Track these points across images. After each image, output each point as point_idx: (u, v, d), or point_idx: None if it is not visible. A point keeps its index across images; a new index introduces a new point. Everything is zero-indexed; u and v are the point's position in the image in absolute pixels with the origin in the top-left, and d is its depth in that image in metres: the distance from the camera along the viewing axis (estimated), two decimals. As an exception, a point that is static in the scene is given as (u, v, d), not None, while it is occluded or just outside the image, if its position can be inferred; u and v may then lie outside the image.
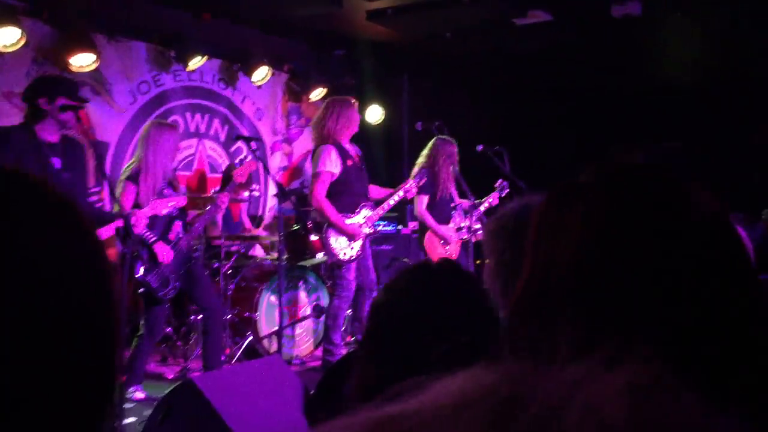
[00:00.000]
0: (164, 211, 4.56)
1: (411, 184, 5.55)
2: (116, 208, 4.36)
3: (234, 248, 6.22)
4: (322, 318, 5.94)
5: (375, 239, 6.75)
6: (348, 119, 5.25)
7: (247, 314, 5.64)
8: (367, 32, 7.15)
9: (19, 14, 5.41)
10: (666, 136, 8.60)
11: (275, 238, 5.79)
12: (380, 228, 6.16)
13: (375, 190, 5.60)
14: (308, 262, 6.19)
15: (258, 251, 6.88)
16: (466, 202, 6.03)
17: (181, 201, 4.65)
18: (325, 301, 5.97)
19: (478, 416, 0.41)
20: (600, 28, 6.76)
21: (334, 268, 5.31)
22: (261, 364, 3.86)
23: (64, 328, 0.61)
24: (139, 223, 4.34)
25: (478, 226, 5.90)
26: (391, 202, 5.52)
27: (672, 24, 6.60)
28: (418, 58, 8.07)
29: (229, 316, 5.62)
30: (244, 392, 3.40)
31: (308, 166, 7.92)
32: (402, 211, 7.25)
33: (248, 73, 7.01)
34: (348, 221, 5.26)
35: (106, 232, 4.20)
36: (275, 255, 5.95)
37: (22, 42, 5.36)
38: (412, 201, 5.99)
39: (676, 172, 0.75)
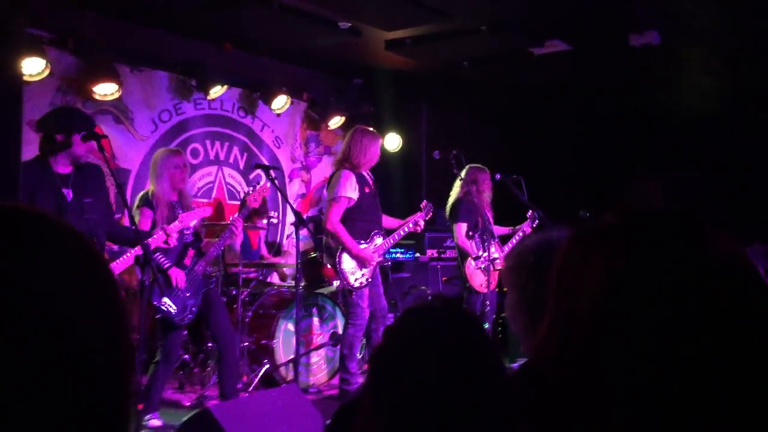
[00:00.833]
0: (192, 223, 4.71)
1: (420, 218, 5.56)
2: None
3: (252, 275, 6.24)
4: (339, 346, 5.93)
5: (393, 267, 6.76)
6: (371, 151, 5.32)
7: (264, 341, 5.63)
8: (386, 61, 7.21)
9: (45, 44, 5.53)
10: (685, 165, 8.55)
11: (293, 265, 5.80)
12: (391, 257, 6.16)
13: (385, 220, 5.63)
14: (325, 290, 6.19)
15: (275, 279, 6.90)
16: (502, 229, 6.12)
17: (207, 211, 4.85)
18: (341, 329, 5.96)
19: None
20: (618, 57, 6.77)
21: (346, 294, 5.33)
22: (277, 393, 3.85)
23: (77, 359, 0.62)
24: (172, 237, 4.48)
25: (497, 255, 5.91)
26: (401, 232, 5.55)
27: (690, 53, 6.60)
28: (436, 86, 8.12)
29: (247, 343, 5.62)
30: (260, 422, 3.39)
31: (325, 191, 7.97)
32: (419, 239, 7.26)
33: (268, 101, 7.09)
34: (361, 247, 5.29)
35: (136, 251, 4.31)
36: (292, 282, 5.95)
37: (47, 72, 5.46)
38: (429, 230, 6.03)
39: (699, 217, 0.75)
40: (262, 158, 7.39)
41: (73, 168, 4.20)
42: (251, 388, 5.42)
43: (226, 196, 7.18)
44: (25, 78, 5.39)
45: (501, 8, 5.82)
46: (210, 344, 5.48)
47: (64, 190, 4.15)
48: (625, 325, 0.71)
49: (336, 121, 7.69)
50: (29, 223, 0.65)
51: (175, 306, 4.65)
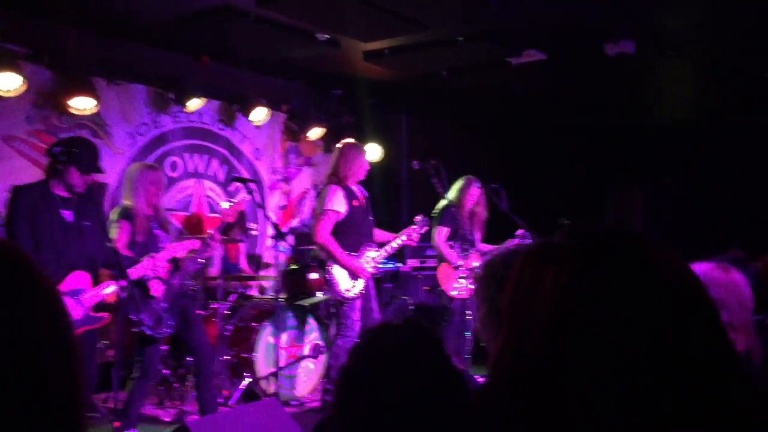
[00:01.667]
0: (180, 254, 4.66)
1: (414, 232, 5.58)
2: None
3: (232, 288, 6.21)
4: (321, 358, 5.92)
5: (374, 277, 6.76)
6: (356, 163, 5.37)
7: (244, 355, 5.61)
8: (365, 72, 7.24)
9: (20, 59, 5.49)
10: (661, 172, 8.64)
11: (273, 278, 5.79)
12: (382, 267, 6.16)
13: (378, 234, 5.62)
14: (306, 302, 6.17)
15: (255, 292, 6.87)
16: (488, 247, 6.16)
17: (194, 243, 4.78)
18: (323, 340, 5.95)
19: None
20: (594, 66, 6.84)
21: (338, 306, 5.30)
22: (257, 407, 3.82)
23: (22, 381, 0.62)
24: (159, 269, 4.47)
25: (477, 264, 5.93)
26: (395, 245, 5.53)
27: (666, 61, 6.68)
28: (416, 96, 8.15)
29: (227, 357, 5.58)
30: (239, 437, 3.36)
31: (310, 205, 7.95)
32: (401, 250, 7.25)
33: (246, 113, 7.08)
34: (353, 258, 5.29)
35: (134, 273, 4.35)
36: (272, 295, 5.93)
37: (23, 87, 5.43)
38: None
39: (644, 235, 0.76)
40: (241, 170, 7.38)
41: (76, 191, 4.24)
42: (232, 401, 5.39)
43: (206, 209, 7.15)
44: (1, 93, 5.36)
45: (477, 18, 5.86)
46: (190, 359, 5.45)
47: (64, 212, 4.22)
48: (576, 342, 0.72)
49: (316, 133, 7.69)
50: None
51: (151, 319, 4.62)
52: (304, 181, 8.12)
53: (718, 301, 0.78)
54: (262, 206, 5.69)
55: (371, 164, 7.83)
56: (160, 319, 4.65)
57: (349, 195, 5.30)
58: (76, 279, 4.21)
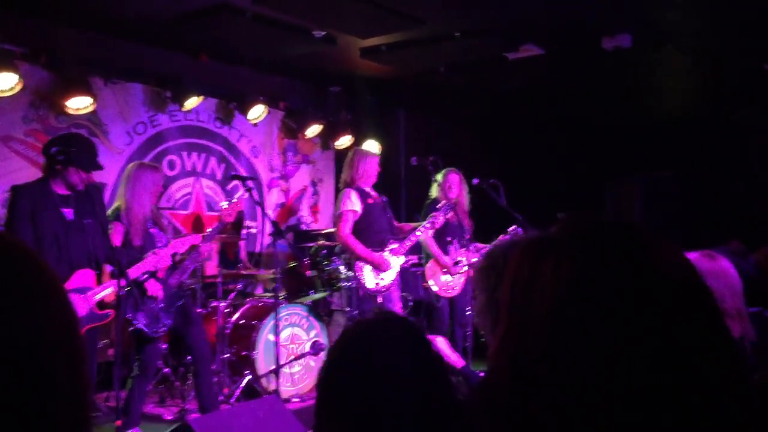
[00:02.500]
0: (182, 250, 4.68)
1: (438, 216, 5.70)
2: None
3: (231, 286, 6.21)
4: (321, 355, 5.92)
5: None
6: (364, 167, 5.63)
7: (245, 353, 5.61)
8: (362, 69, 7.23)
9: (17, 59, 5.48)
10: (659, 165, 8.64)
11: (273, 276, 5.79)
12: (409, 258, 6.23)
13: (404, 227, 5.84)
14: (306, 299, 6.17)
15: (259, 289, 6.87)
16: (480, 245, 6.17)
17: (195, 239, 4.80)
18: (323, 338, 5.95)
19: None
20: (591, 60, 6.84)
21: (364, 301, 5.51)
22: (258, 404, 3.83)
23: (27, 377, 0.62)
24: (162, 263, 4.49)
25: (476, 260, 5.93)
26: (417, 233, 5.72)
27: (662, 55, 6.67)
28: (413, 92, 8.14)
29: (228, 354, 5.59)
30: (240, 434, 3.36)
31: (308, 203, 7.96)
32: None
33: (244, 111, 7.07)
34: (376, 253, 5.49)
35: (134, 272, 4.37)
36: (272, 292, 5.93)
37: (19, 87, 5.41)
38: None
39: (643, 226, 0.76)
40: (239, 169, 7.37)
41: (74, 189, 4.23)
42: (233, 399, 5.39)
43: (204, 207, 7.14)
44: (-3, 93, 5.35)
45: (474, 14, 5.85)
46: (190, 357, 5.45)
47: (64, 210, 4.22)
48: (575, 335, 0.72)
49: (313, 130, 7.68)
50: None
51: (148, 318, 4.61)
52: (302, 178, 8.11)
53: None
54: (261, 204, 5.67)
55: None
56: (157, 318, 4.65)
57: (363, 194, 5.56)
58: (82, 277, 4.21)
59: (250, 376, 5.55)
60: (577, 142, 8.96)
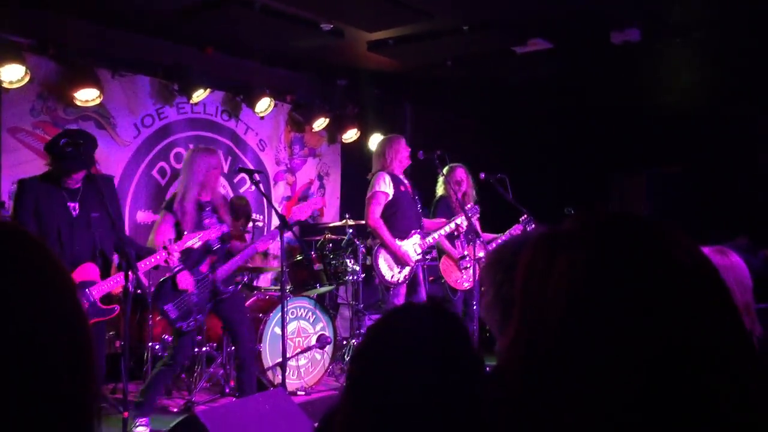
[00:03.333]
0: (197, 245, 4.53)
1: (466, 214, 5.67)
2: (151, 238, 4.60)
3: (237, 279, 6.22)
4: (327, 348, 5.93)
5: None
6: (399, 150, 5.63)
7: (251, 345, 5.61)
8: (369, 62, 7.21)
9: (25, 51, 5.49)
10: (667, 160, 8.61)
11: (279, 269, 5.79)
12: (429, 257, 6.22)
13: (430, 224, 5.86)
14: (312, 293, 6.18)
15: (261, 282, 6.88)
16: (489, 235, 6.17)
17: (212, 233, 4.62)
18: (329, 331, 5.95)
19: None
20: (600, 54, 6.81)
21: (383, 291, 5.57)
22: (264, 397, 3.83)
23: (35, 369, 0.62)
24: (173, 256, 4.40)
25: (482, 254, 5.92)
26: (443, 232, 5.76)
27: (671, 50, 6.64)
28: (420, 86, 8.12)
29: (234, 347, 5.59)
30: (247, 426, 3.38)
31: (310, 192, 7.95)
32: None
33: (251, 104, 7.06)
34: (400, 244, 5.51)
35: (146, 265, 4.34)
36: (278, 285, 5.93)
37: (27, 78, 5.43)
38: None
39: (658, 220, 0.75)
40: (246, 162, 7.37)
41: (83, 182, 4.22)
42: (239, 392, 5.39)
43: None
44: (5, 85, 5.37)
45: (482, 7, 5.83)
46: (197, 350, 5.46)
47: (71, 204, 4.22)
48: (591, 331, 0.71)
49: (320, 123, 7.68)
50: None
51: (178, 312, 4.60)
52: (308, 171, 8.11)
53: None
54: (267, 197, 5.67)
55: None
56: (189, 312, 4.62)
57: (396, 181, 5.57)
58: (84, 271, 4.22)
59: (256, 369, 5.55)
60: (583, 136, 8.94)
